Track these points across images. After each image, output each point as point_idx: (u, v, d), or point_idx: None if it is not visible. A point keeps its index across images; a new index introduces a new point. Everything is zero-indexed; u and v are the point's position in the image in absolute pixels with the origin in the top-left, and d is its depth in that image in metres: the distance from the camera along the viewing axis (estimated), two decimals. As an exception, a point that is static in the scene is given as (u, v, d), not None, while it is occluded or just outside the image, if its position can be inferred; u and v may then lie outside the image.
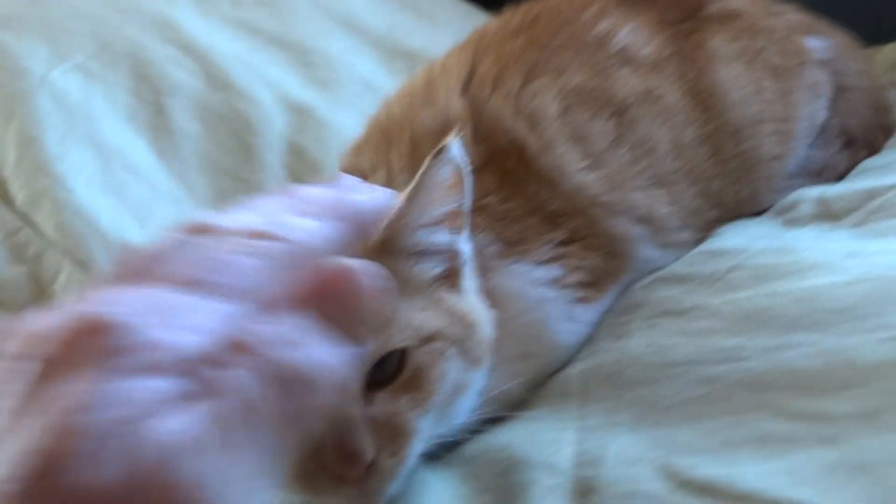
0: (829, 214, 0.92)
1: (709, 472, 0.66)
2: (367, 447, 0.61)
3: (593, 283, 0.87)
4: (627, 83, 0.89)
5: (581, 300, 0.86)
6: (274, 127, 1.16)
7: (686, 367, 0.76)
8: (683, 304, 0.84)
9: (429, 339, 0.67)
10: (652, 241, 0.89)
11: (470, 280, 0.74)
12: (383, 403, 0.64)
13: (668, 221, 0.89)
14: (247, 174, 1.11)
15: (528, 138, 0.87)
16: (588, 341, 0.88)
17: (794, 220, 0.93)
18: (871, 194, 0.91)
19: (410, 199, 0.65)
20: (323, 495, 0.63)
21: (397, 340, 0.64)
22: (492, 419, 0.76)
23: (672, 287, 0.88)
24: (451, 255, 0.71)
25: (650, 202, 0.88)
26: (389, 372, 0.65)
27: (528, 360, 0.82)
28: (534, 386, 0.83)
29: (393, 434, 0.64)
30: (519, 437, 0.77)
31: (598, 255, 0.87)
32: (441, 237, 0.70)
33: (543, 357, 0.82)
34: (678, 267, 0.91)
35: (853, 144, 1.05)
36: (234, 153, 1.13)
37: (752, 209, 0.96)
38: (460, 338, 0.69)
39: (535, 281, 0.81)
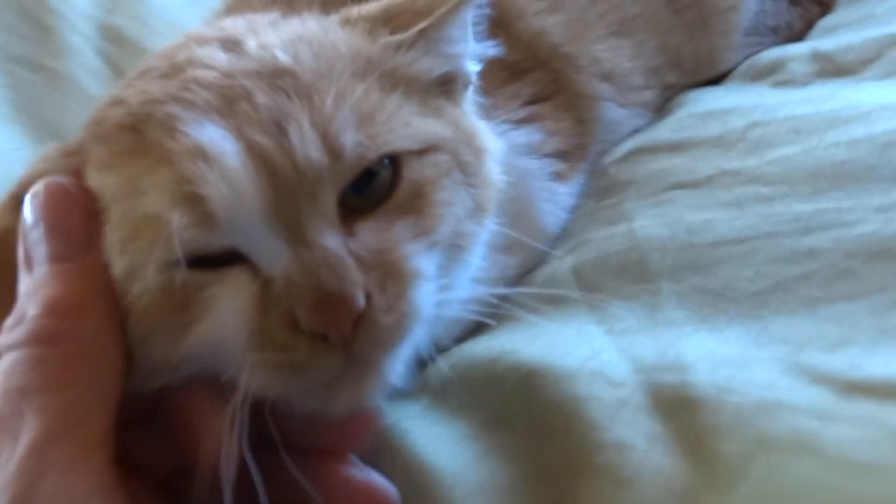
0: (837, 70, 0.78)
1: (885, 370, 0.47)
2: (353, 288, 0.43)
3: (568, 155, 0.72)
4: None
5: (558, 176, 0.71)
6: (76, 5, 0.95)
7: (753, 242, 0.59)
8: (699, 173, 0.67)
9: (430, 148, 0.51)
10: (616, 100, 0.78)
11: (472, 106, 0.59)
12: (371, 233, 0.47)
13: (632, 79, 0.80)
14: (48, 61, 0.91)
15: None
16: (564, 234, 0.71)
17: (787, 81, 0.79)
18: (890, 42, 0.77)
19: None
20: (299, 370, 0.44)
21: (388, 142, 0.48)
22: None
23: (666, 157, 0.72)
24: (455, 65, 0.56)
25: (613, 55, 0.78)
26: (377, 194, 0.48)
27: (514, 249, 0.65)
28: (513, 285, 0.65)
29: (387, 274, 0.45)
30: (515, 343, 0.57)
31: (569, 118, 0.73)
32: (454, 47, 0.56)
33: (529, 245, 0.65)
34: (662, 134, 0.75)
35: (800, 1, 0.97)
36: (29, 38, 0.92)
37: (710, 71, 0.87)
38: (467, 162, 0.53)
39: (515, 147, 0.67)
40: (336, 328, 0.43)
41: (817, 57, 0.79)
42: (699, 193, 0.65)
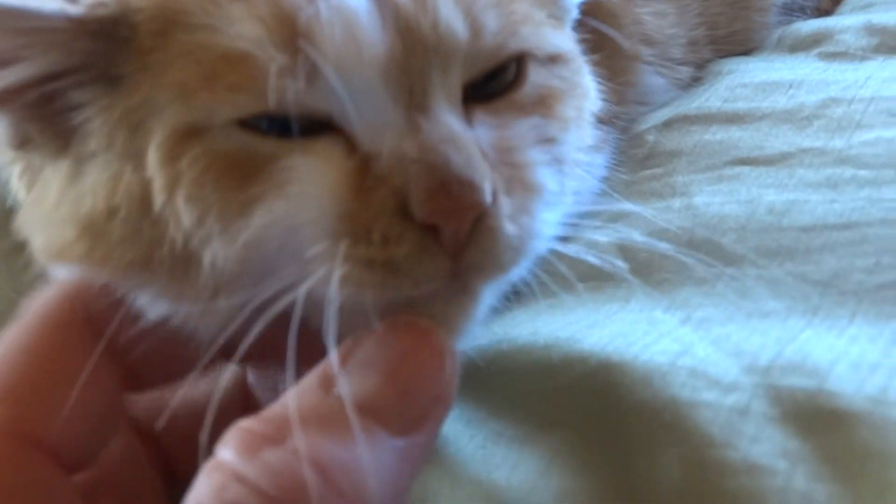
0: None
1: None
2: (482, 176, 0.36)
3: (604, 122, 0.64)
4: None
5: (595, 147, 0.62)
6: None
7: (864, 229, 0.50)
8: (770, 149, 0.59)
9: (557, 58, 0.45)
10: (655, 65, 0.72)
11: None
12: (490, 128, 0.39)
13: (672, 49, 0.74)
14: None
15: None
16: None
17: (839, 53, 0.71)
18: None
19: None
20: (397, 271, 0.36)
21: (524, 37, 0.41)
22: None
23: (721, 128, 0.63)
24: None
25: (655, 19, 0.73)
26: (495, 91, 0.41)
27: None
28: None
29: (513, 178, 0.38)
30: (570, 329, 0.48)
31: (608, 81, 0.63)
32: None
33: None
34: (712, 103, 0.67)
35: None
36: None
37: (740, 50, 0.82)
38: (579, 92, 0.46)
39: None
40: (456, 221, 0.35)
41: (873, 30, 0.72)
42: (774, 171, 0.56)
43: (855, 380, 0.39)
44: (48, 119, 0.40)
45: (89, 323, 0.40)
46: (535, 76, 0.42)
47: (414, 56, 0.37)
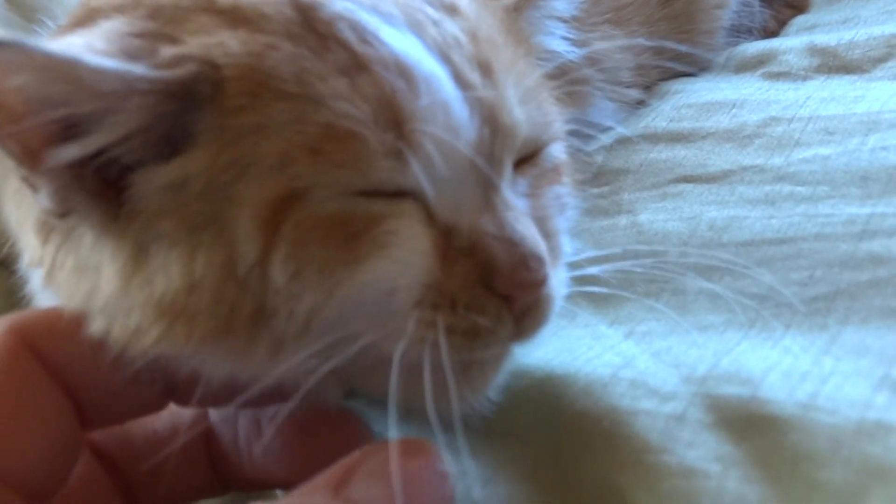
0: (843, 66, 0.75)
1: None
2: (545, 250, 0.41)
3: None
4: None
5: None
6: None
7: (800, 244, 0.54)
8: (712, 167, 0.63)
9: (558, 137, 0.49)
10: (604, 90, 0.76)
11: None
12: (529, 197, 0.45)
13: (620, 73, 0.78)
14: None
15: None
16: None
17: (782, 73, 0.76)
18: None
19: None
20: (477, 337, 0.40)
21: (552, 127, 0.47)
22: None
23: (667, 147, 0.67)
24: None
25: (605, 45, 0.76)
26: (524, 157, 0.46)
27: None
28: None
29: (551, 249, 0.43)
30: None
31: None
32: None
33: None
34: (658, 123, 0.71)
35: (772, 2, 0.97)
36: None
37: (686, 71, 0.85)
38: (570, 164, 0.52)
39: None
40: (531, 292, 0.40)
41: (815, 51, 0.77)
42: (716, 188, 0.60)
43: (786, 387, 0.42)
44: (99, 189, 0.39)
45: (38, 356, 0.40)
46: (551, 149, 0.47)
47: (495, 140, 0.41)
